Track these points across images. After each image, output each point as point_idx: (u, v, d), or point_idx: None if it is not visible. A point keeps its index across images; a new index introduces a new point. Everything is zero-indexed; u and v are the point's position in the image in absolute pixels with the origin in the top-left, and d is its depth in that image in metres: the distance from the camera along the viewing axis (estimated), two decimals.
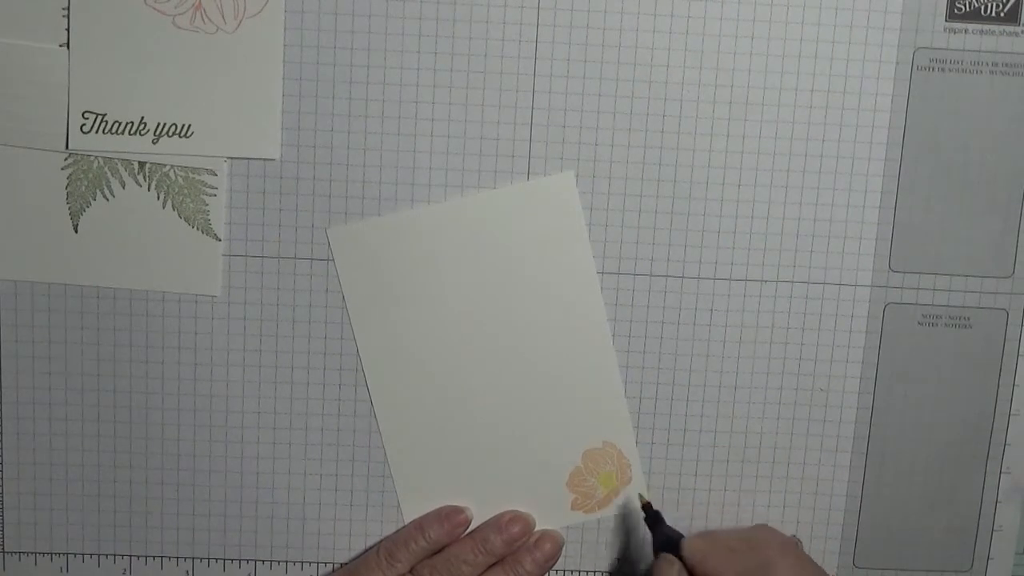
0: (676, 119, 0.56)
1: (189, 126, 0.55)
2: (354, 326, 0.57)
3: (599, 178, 0.56)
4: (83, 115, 0.55)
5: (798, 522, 0.59)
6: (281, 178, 0.56)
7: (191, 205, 0.56)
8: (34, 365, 0.57)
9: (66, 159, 0.55)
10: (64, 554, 0.59)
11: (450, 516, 0.57)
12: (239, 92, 0.55)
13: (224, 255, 0.57)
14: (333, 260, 0.57)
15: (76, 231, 0.56)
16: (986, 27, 0.55)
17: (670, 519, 0.57)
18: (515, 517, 0.57)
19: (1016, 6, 0.55)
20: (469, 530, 0.58)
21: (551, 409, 0.58)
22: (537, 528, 0.58)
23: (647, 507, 0.56)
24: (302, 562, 0.59)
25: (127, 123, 0.55)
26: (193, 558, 0.59)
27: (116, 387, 0.58)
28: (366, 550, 0.59)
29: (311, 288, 0.57)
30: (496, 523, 0.57)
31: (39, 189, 0.55)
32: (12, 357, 0.57)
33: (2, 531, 0.59)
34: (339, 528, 0.59)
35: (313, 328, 0.57)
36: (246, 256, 0.57)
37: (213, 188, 0.56)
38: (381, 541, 0.58)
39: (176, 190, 0.56)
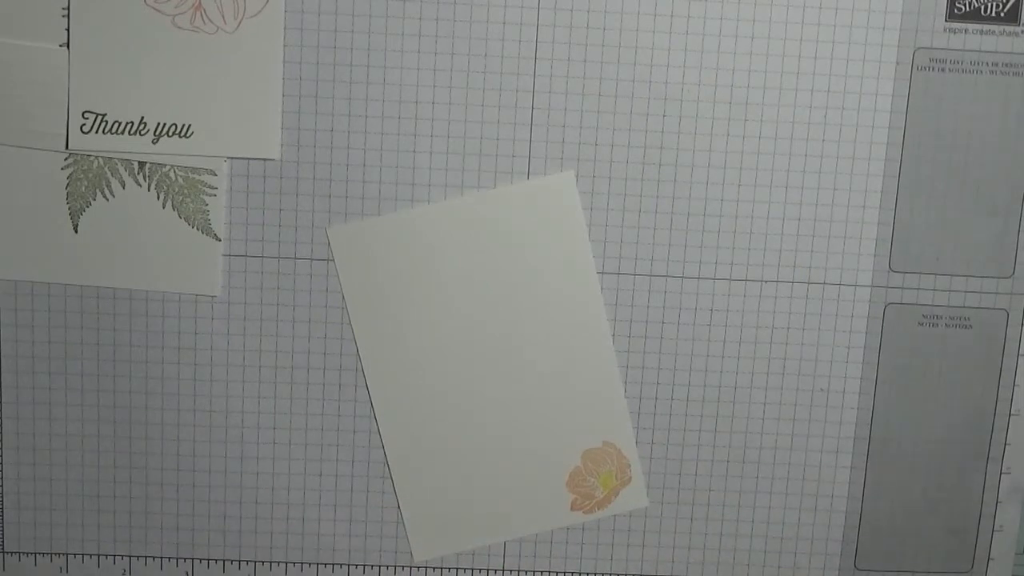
0: (676, 119, 0.56)
1: (189, 126, 0.55)
2: (354, 326, 0.57)
3: (599, 178, 0.56)
4: (83, 115, 0.55)
5: (799, 523, 0.59)
6: (281, 178, 0.56)
7: (191, 205, 0.56)
8: (34, 365, 0.57)
9: (66, 159, 0.55)
10: (64, 554, 0.59)
11: None
12: (239, 92, 0.55)
13: (224, 255, 0.57)
14: (333, 260, 0.57)
15: (76, 231, 0.56)
16: (986, 27, 0.55)
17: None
18: None
19: (1016, 6, 0.55)
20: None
21: (551, 409, 0.58)
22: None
23: None
24: (302, 563, 0.59)
25: (127, 123, 0.55)
26: (193, 558, 0.59)
27: (116, 387, 0.58)
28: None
29: (311, 288, 0.57)
30: None
31: (39, 189, 0.56)
32: (12, 357, 0.57)
33: (2, 531, 0.59)
34: (339, 528, 0.59)
35: (313, 328, 0.57)
36: (246, 256, 0.57)
37: (213, 188, 0.56)
38: None
39: (176, 190, 0.56)
